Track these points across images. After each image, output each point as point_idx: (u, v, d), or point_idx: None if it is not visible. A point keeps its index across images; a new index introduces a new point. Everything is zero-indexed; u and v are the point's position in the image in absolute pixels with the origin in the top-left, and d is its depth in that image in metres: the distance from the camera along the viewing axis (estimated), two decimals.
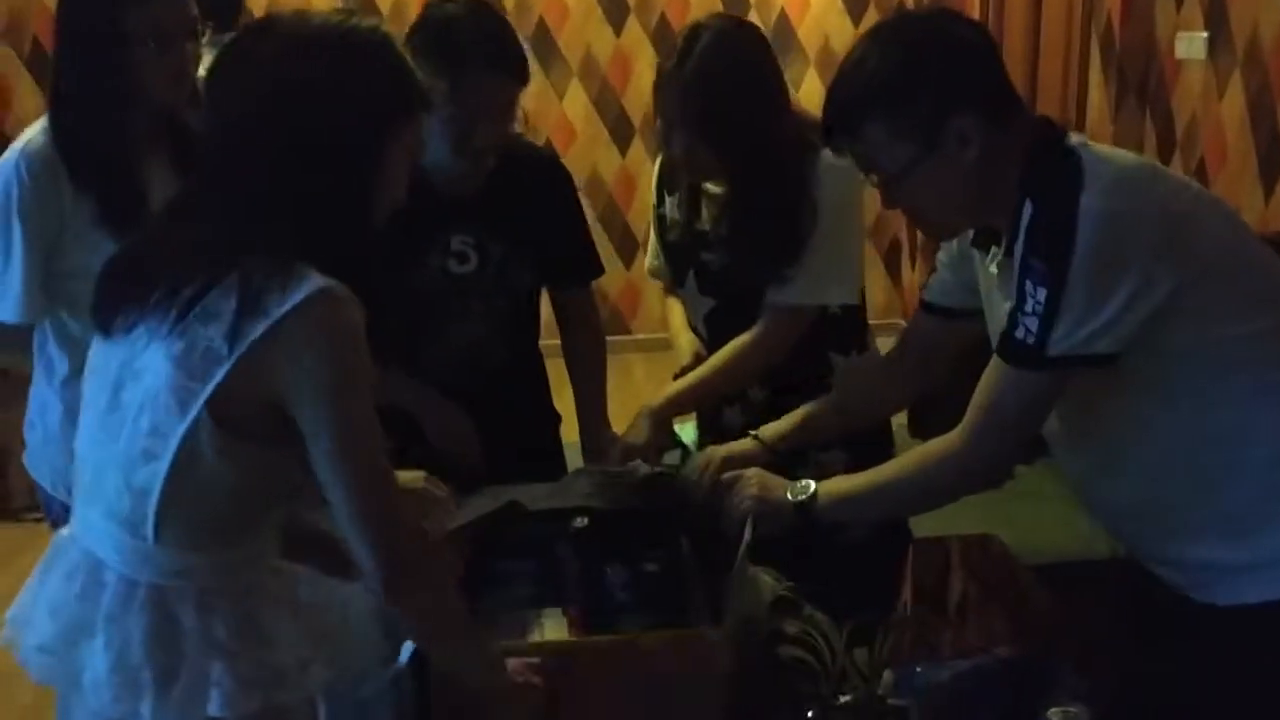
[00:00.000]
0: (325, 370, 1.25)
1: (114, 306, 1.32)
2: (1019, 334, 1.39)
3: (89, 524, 1.35)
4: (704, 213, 2.11)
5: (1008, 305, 1.44)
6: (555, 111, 5.50)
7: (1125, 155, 1.45)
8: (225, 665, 1.29)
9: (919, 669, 1.60)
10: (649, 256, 2.33)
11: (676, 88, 1.94)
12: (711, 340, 2.15)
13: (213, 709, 1.28)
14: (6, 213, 1.89)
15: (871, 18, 5.29)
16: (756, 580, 1.86)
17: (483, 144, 2.00)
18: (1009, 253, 1.46)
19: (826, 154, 1.94)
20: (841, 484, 1.66)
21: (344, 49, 1.34)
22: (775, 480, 1.70)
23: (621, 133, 5.54)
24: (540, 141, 4.92)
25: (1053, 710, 1.39)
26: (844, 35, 5.29)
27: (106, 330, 1.33)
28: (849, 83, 1.48)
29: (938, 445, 1.55)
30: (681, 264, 2.16)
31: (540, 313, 2.30)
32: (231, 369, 1.23)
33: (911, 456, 1.60)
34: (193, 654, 1.29)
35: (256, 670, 1.31)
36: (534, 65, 5.16)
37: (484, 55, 1.95)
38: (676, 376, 2.19)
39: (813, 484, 1.66)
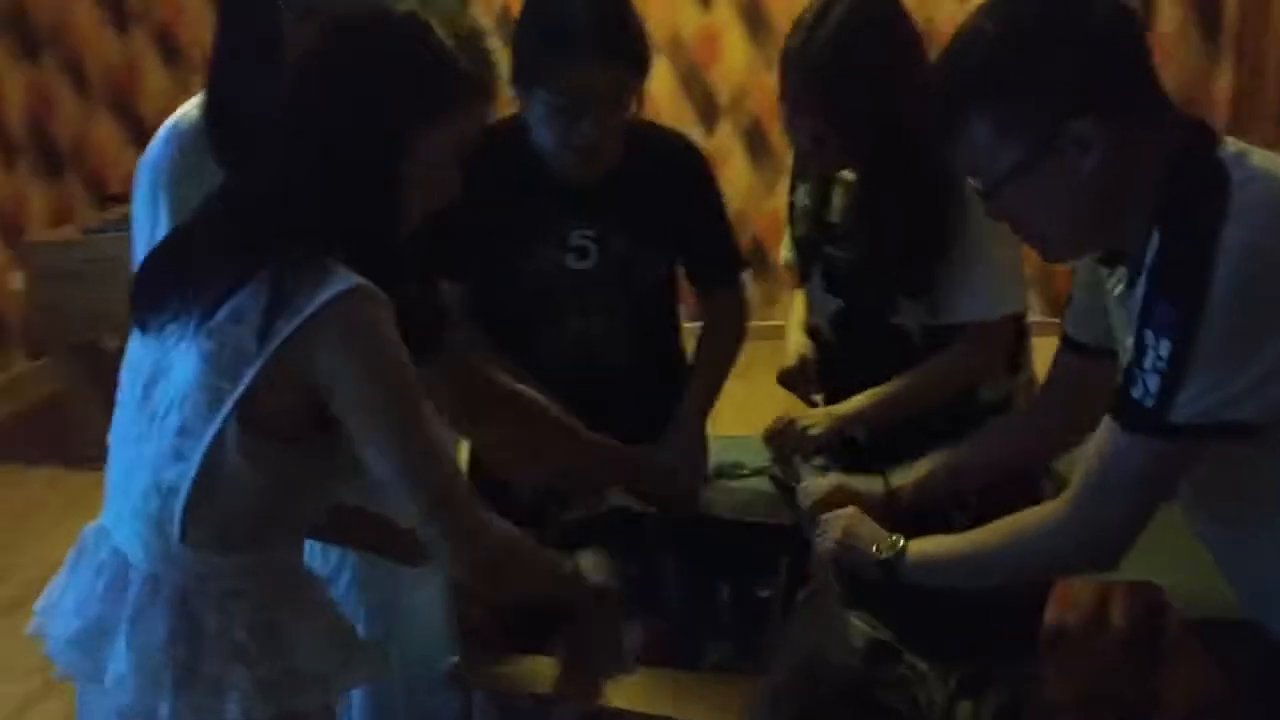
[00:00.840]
0: (364, 364, 1.25)
1: (149, 302, 1.32)
2: (1136, 393, 1.18)
3: (118, 521, 1.35)
4: (834, 202, 1.94)
5: (1128, 342, 1.23)
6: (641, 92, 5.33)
7: None
8: (244, 670, 1.30)
9: None
10: (783, 247, 2.15)
11: (799, 67, 1.78)
12: (840, 345, 1.99)
13: (230, 712, 1.29)
14: (154, 187, 1.90)
15: None
16: (846, 625, 1.72)
17: (590, 138, 1.84)
18: (1130, 284, 1.24)
19: None
20: (932, 546, 1.47)
21: (370, 38, 1.32)
22: (867, 528, 1.54)
23: (708, 113, 5.35)
24: None
25: None
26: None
27: (142, 326, 1.33)
28: (955, 66, 1.26)
29: (1039, 514, 1.35)
30: (808, 258, 2.01)
31: (678, 311, 2.18)
32: (262, 368, 1.23)
33: (1010, 523, 1.39)
34: (212, 657, 1.30)
35: (275, 676, 1.31)
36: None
37: (596, 41, 1.78)
38: (780, 378, 2.04)
39: (903, 541, 1.48)
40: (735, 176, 5.23)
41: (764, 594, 1.70)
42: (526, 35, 1.83)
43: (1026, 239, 1.36)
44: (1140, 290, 1.19)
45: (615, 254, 1.97)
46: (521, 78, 1.81)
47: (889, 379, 1.92)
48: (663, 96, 5.33)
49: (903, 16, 1.84)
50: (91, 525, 1.41)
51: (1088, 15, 1.21)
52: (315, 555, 1.76)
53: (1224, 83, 4.92)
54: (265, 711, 1.30)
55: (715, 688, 1.44)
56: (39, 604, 1.40)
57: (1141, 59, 1.23)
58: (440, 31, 1.32)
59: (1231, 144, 1.22)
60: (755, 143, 5.32)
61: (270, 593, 1.36)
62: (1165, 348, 1.13)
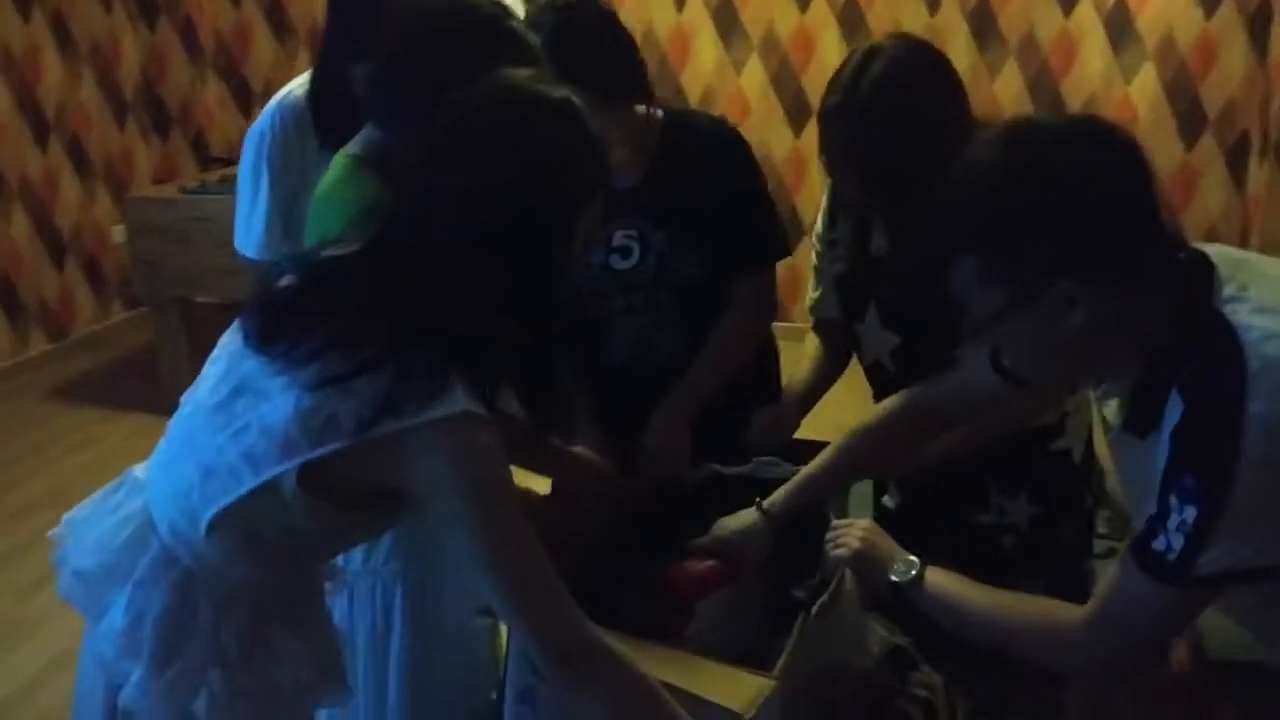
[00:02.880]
0: (467, 486, 1.24)
1: (265, 325, 1.30)
2: (1158, 545, 1.17)
3: (157, 489, 1.36)
4: (875, 238, 1.92)
5: (1144, 496, 1.21)
6: (732, 86, 5.36)
7: None
8: (221, 674, 1.32)
9: None
10: (810, 290, 2.08)
11: (837, 122, 1.74)
12: (906, 377, 1.84)
13: (198, 707, 1.31)
14: (258, 158, 2.02)
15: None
16: (865, 629, 1.75)
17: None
18: (1137, 432, 1.24)
19: None
20: (951, 585, 1.44)
21: (539, 125, 1.29)
22: (885, 543, 1.54)
23: (797, 113, 5.34)
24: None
25: None
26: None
27: (250, 340, 1.31)
28: (946, 207, 1.22)
29: (1055, 619, 1.32)
30: (858, 296, 1.95)
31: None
32: (343, 449, 1.22)
33: (1033, 609, 1.37)
34: (195, 650, 1.32)
35: (252, 685, 1.33)
36: (714, 39, 5.07)
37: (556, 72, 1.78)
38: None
39: (918, 567, 1.47)
40: (820, 177, 5.23)
41: (798, 594, 1.69)
42: None
43: (1013, 368, 1.37)
44: (1162, 453, 1.17)
45: (655, 250, 1.99)
46: None
47: None
48: (753, 94, 5.36)
49: (943, 69, 1.76)
50: (137, 468, 1.42)
51: (1098, 170, 1.18)
52: None
53: None
54: (231, 715, 1.32)
55: (731, 675, 1.46)
56: (69, 515, 1.43)
57: (1145, 214, 1.19)
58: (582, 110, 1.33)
59: (1227, 279, 1.18)
60: None
61: (271, 607, 1.38)
62: (1191, 514, 1.13)
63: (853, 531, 1.56)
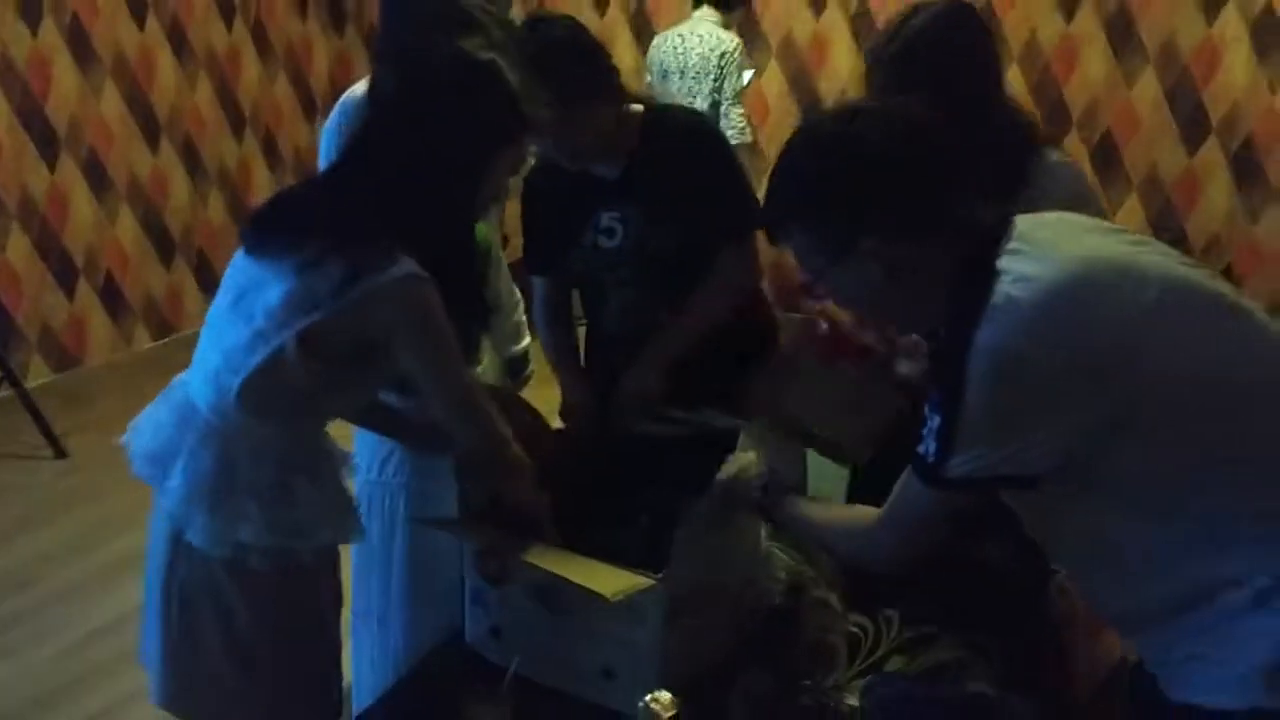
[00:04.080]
0: (414, 329, 1.65)
1: (261, 236, 1.70)
2: (921, 450, 1.37)
3: (197, 380, 1.75)
4: None
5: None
6: (752, 90, 5.58)
7: (1064, 267, 1.32)
8: (258, 507, 1.71)
9: (880, 682, 1.70)
10: None
11: (879, 72, 1.93)
12: None
13: (243, 535, 1.70)
14: (329, 147, 2.27)
15: None
16: (771, 557, 1.98)
17: (562, 155, 2.19)
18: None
19: (1050, 154, 1.93)
20: (802, 505, 1.72)
21: (465, 80, 1.68)
22: (757, 473, 1.77)
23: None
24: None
25: None
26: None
27: (250, 250, 1.70)
28: (773, 193, 1.47)
29: (867, 523, 1.55)
30: None
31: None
32: (325, 316, 1.61)
33: (852, 514, 1.64)
34: (239, 493, 1.71)
35: (279, 518, 1.72)
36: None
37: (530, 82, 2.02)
38: None
39: (781, 489, 1.73)
40: None
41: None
42: None
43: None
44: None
45: (636, 230, 2.24)
46: None
47: None
48: (772, 97, 5.59)
49: (982, 26, 1.96)
50: (181, 375, 1.82)
51: (873, 148, 1.39)
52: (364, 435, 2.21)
53: None
54: (267, 540, 1.70)
55: (616, 574, 1.68)
56: (134, 420, 1.82)
57: (925, 181, 1.38)
58: (508, 72, 1.69)
59: (1018, 236, 1.35)
60: None
61: (292, 458, 1.75)
62: (937, 422, 1.32)
63: (737, 458, 1.81)
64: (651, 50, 4.73)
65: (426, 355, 1.67)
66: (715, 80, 4.51)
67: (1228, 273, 4.79)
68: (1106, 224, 1.51)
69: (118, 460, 1.83)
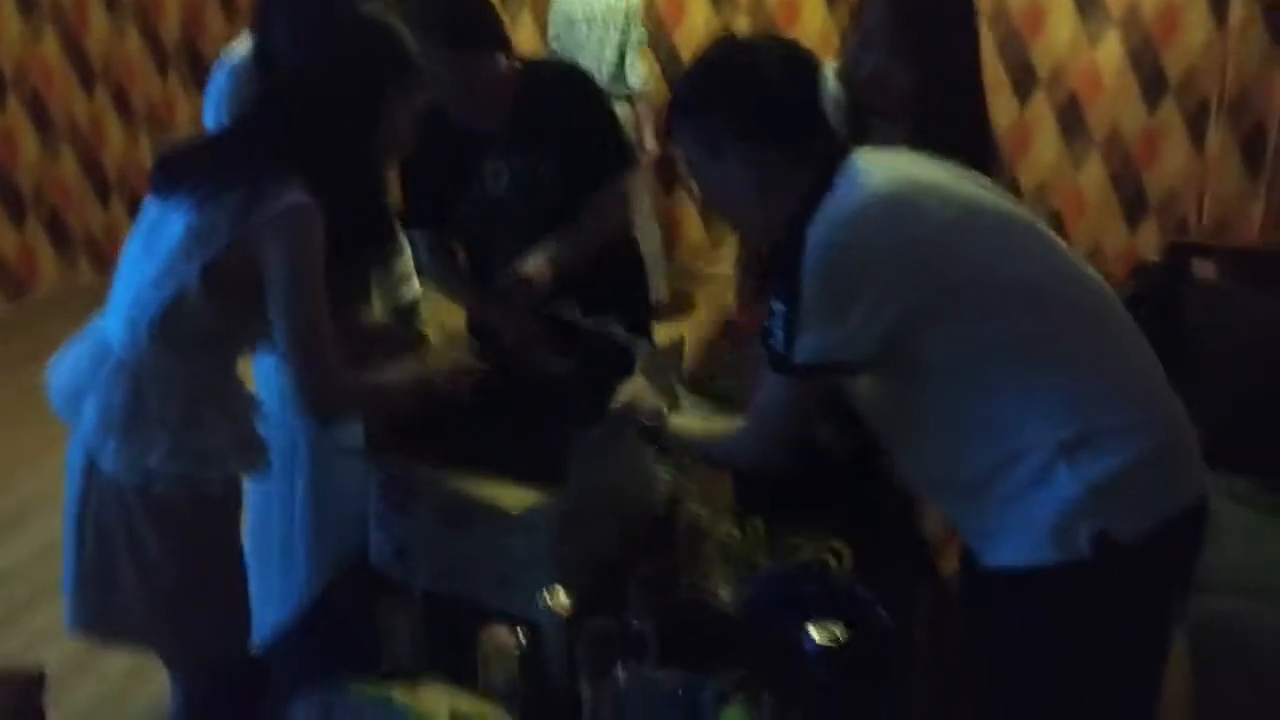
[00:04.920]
0: (288, 257, 1.73)
1: (166, 178, 1.81)
2: (772, 342, 1.55)
3: (111, 320, 1.84)
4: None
5: None
6: None
7: (887, 181, 1.54)
8: (167, 434, 1.80)
9: (748, 581, 1.90)
10: None
11: (872, 13, 2.00)
12: None
13: (152, 461, 1.79)
14: (216, 111, 2.34)
15: None
16: (653, 472, 2.16)
17: (469, 110, 2.28)
18: None
19: None
20: (684, 424, 1.90)
21: (365, 44, 1.82)
22: (646, 401, 1.93)
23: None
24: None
25: (814, 623, 1.58)
26: None
27: (157, 192, 1.80)
28: (676, 93, 1.71)
29: (734, 428, 1.75)
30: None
31: None
32: (225, 246, 1.72)
33: (728, 426, 1.80)
34: (147, 423, 1.80)
35: (187, 445, 1.81)
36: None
37: (437, 32, 2.11)
38: None
39: (661, 417, 1.89)
40: None
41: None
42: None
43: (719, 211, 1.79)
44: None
45: (519, 176, 2.37)
46: None
47: None
48: None
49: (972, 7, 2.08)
50: (96, 320, 1.89)
51: (758, 68, 1.62)
52: (264, 376, 2.31)
53: None
54: (174, 466, 1.79)
55: (518, 490, 1.86)
56: (51, 360, 1.90)
57: (797, 106, 1.63)
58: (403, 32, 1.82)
59: (870, 159, 1.58)
60: None
61: (202, 391, 1.84)
62: (780, 309, 1.52)
63: (627, 388, 1.97)
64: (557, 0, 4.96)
65: (286, 277, 1.73)
66: (622, 31, 4.78)
67: (1183, 225, 5.01)
68: (935, 161, 1.70)
69: (33, 399, 1.90)
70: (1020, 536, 1.53)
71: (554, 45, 4.96)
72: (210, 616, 1.93)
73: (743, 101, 1.61)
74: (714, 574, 1.95)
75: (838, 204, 1.51)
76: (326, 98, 1.78)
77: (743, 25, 5.59)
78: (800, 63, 1.66)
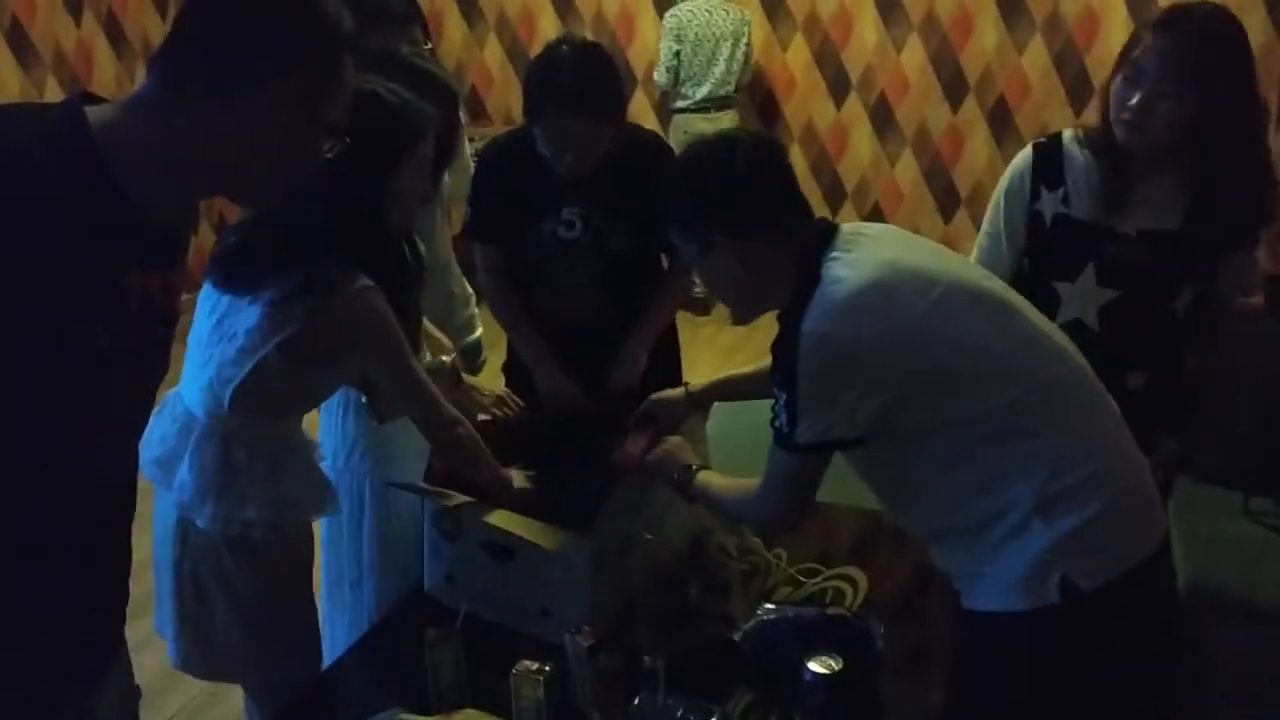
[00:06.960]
0: (378, 336, 1.93)
1: (225, 275, 1.94)
2: (777, 422, 1.68)
3: (191, 391, 2.02)
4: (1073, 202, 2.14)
5: None
6: (778, 62, 5.98)
7: (870, 270, 1.62)
8: (259, 489, 1.98)
9: (763, 611, 2.03)
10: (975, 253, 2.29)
11: (1187, 41, 1.93)
12: (1106, 334, 2.11)
13: (250, 513, 1.97)
14: None
15: None
16: (682, 513, 2.27)
17: (571, 162, 2.44)
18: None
19: None
20: (709, 480, 2.01)
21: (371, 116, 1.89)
22: (684, 455, 2.08)
23: (839, 87, 5.99)
24: (760, 92, 6.14)
25: (813, 656, 1.74)
26: None
27: (218, 286, 1.95)
28: (662, 200, 1.81)
29: (752, 488, 1.83)
30: (1076, 255, 2.15)
31: (651, 275, 2.71)
32: (298, 328, 1.89)
33: (743, 487, 1.89)
34: (241, 478, 1.98)
35: (274, 495, 1.99)
36: (762, 20, 5.99)
37: (576, 100, 2.33)
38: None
39: (689, 473, 2.02)
40: (859, 146, 6.15)
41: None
42: (530, 82, 2.41)
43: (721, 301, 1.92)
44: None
45: (593, 227, 2.56)
46: (526, 113, 2.43)
47: (1162, 358, 2.17)
48: (798, 69, 6.06)
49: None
50: (171, 390, 2.05)
51: (729, 167, 1.72)
52: (333, 431, 2.49)
53: None
54: (267, 515, 1.97)
55: (554, 532, 2.03)
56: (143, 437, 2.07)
57: (768, 195, 1.73)
58: (385, 90, 1.92)
59: (840, 243, 1.67)
60: None
61: (280, 446, 2.03)
62: (784, 397, 1.64)
63: (667, 443, 2.12)
64: (669, 18, 5.56)
65: (386, 357, 1.94)
66: (746, 45, 5.62)
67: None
68: (921, 239, 1.82)
69: None
70: (996, 584, 1.63)
71: (665, 71, 5.62)
72: (290, 644, 2.11)
73: (722, 201, 1.72)
74: (734, 602, 2.07)
75: (825, 298, 1.60)
76: (336, 180, 1.78)
77: (798, 40, 5.89)
78: (769, 151, 1.77)
